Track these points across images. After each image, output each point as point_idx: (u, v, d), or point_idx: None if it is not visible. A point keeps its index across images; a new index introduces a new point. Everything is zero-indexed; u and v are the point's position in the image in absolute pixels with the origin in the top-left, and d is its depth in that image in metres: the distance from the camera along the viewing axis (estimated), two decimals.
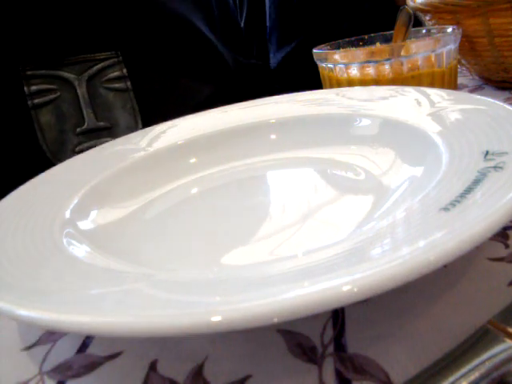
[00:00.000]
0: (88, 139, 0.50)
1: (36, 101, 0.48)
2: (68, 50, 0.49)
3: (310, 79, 0.53)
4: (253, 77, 0.69)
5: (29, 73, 0.47)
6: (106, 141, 0.46)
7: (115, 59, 0.51)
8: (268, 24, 0.87)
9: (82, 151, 0.46)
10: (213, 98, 0.57)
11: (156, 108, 0.53)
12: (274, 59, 0.85)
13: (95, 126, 0.50)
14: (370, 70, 0.39)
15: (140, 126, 0.52)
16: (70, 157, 0.35)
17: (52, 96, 0.48)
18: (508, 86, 0.45)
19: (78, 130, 0.49)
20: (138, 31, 0.53)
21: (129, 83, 0.51)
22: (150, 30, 0.54)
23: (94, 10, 0.50)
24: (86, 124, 0.49)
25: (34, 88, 0.48)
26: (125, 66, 0.51)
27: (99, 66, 0.50)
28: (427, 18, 0.49)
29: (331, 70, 0.42)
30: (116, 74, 0.51)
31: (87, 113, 0.50)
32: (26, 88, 0.47)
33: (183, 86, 0.56)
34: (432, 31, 0.45)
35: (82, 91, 0.49)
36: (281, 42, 0.83)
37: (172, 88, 0.56)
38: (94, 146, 0.48)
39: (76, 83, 0.49)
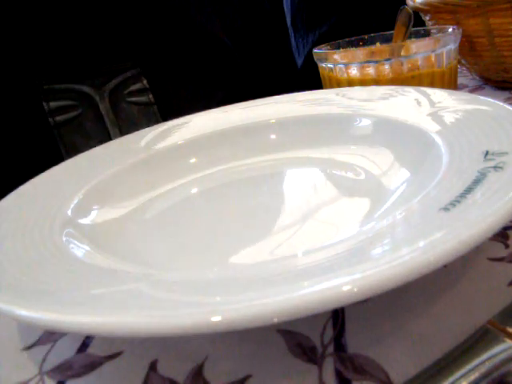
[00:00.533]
0: None
1: (57, 118, 0.45)
2: (85, 62, 0.47)
3: None
4: (278, 78, 0.67)
5: (45, 87, 0.45)
6: None
7: (134, 70, 0.48)
8: (290, 9, 0.83)
9: None
10: (228, 98, 0.56)
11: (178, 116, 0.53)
12: (301, 45, 0.81)
13: None
14: (370, 70, 0.39)
15: None
16: None
17: (74, 113, 0.46)
18: (508, 85, 0.45)
19: None
20: (155, 40, 0.51)
21: (151, 96, 0.49)
22: (167, 38, 0.52)
23: (110, 19, 0.48)
24: None
25: (53, 104, 0.45)
26: (145, 78, 0.49)
27: (119, 77, 0.48)
28: (427, 17, 0.49)
29: (331, 70, 0.42)
30: (137, 86, 0.49)
31: (113, 132, 0.47)
32: (44, 104, 0.45)
33: (203, 96, 0.55)
34: (432, 31, 0.45)
35: (104, 106, 0.47)
36: (310, 25, 0.79)
37: (191, 93, 0.54)
38: None
39: (97, 98, 0.47)
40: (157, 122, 0.49)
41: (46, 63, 0.45)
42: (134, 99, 0.49)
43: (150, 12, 0.51)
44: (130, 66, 0.48)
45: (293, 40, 0.83)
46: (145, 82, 0.49)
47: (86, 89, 0.46)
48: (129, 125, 0.48)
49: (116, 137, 0.47)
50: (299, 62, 0.82)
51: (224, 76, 0.58)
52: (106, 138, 0.47)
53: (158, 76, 0.50)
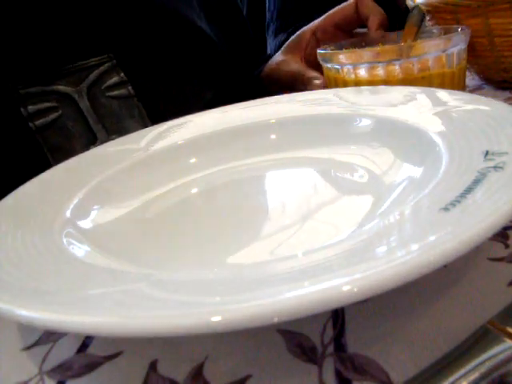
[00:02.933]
0: None
1: (38, 122, 0.44)
2: (58, 60, 0.45)
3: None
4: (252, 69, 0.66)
5: (21, 92, 0.43)
6: None
7: (109, 63, 0.47)
8: (267, 17, 0.88)
9: None
10: (217, 98, 0.55)
11: (164, 112, 0.49)
12: (270, 47, 0.85)
13: (108, 140, 0.45)
14: (380, 71, 0.38)
15: None
16: None
17: (54, 115, 0.44)
18: (508, 85, 0.45)
19: (92, 147, 0.45)
20: (129, 30, 0.49)
21: (130, 88, 0.47)
22: (142, 27, 0.50)
23: (81, 11, 0.46)
24: (98, 141, 0.46)
25: (31, 108, 0.43)
26: (122, 70, 0.47)
27: (95, 73, 0.46)
28: (427, 18, 0.48)
29: (337, 70, 0.42)
30: (114, 79, 0.47)
31: (97, 129, 0.46)
32: (22, 109, 0.43)
33: (187, 85, 0.53)
34: (434, 31, 0.45)
35: (84, 105, 0.45)
36: (278, 31, 0.84)
37: (176, 89, 0.52)
38: None
39: (76, 96, 0.45)
40: (140, 114, 0.48)
41: (18, 66, 0.44)
42: (113, 93, 0.47)
43: (122, 1, 0.49)
44: (104, 59, 0.47)
45: (268, 46, 0.88)
46: (122, 74, 0.47)
47: (62, 88, 0.45)
48: (111, 120, 0.47)
49: (100, 133, 0.46)
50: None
51: (205, 66, 0.56)
52: (90, 136, 0.46)
53: (136, 67, 0.49)
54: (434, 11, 0.45)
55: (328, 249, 0.18)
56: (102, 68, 0.46)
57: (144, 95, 0.49)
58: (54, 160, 0.45)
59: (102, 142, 0.45)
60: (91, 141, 0.46)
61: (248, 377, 0.17)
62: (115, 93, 0.47)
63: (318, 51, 0.44)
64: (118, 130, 0.47)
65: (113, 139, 0.46)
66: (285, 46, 0.59)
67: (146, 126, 0.47)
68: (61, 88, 0.45)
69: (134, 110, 0.48)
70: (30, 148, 0.44)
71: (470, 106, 0.27)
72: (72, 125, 0.45)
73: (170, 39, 0.53)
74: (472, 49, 0.44)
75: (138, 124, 0.48)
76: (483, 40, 0.43)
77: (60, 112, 0.45)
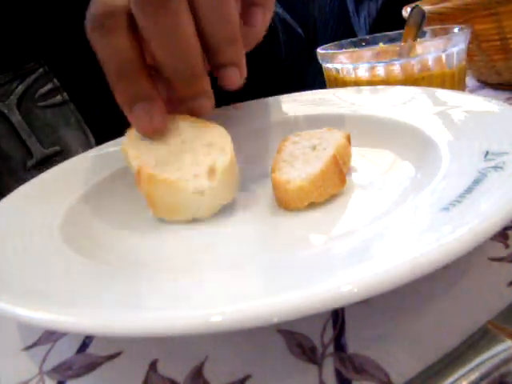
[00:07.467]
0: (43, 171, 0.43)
1: None
2: None
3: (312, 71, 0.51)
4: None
5: None
6: None
7: (41, 70, 0.42)
8: None
9: None
10: None
11: (103, 117, 0.44)
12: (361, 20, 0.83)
13: (44, 155, 0.43)
14: (380, 71, 0.38)
15: (92, 140, 0.44)
16: None
17: None
18: (505, 88, 0.45)
19: (29, 164, 0.42)
20: (57, 32, 0.44)
21: (65, 94, 0.43)
22: (71, 28, 0.42)
23: (4, 16, 0.41)
24: (34, 157, 0.42)
25: None
26: (54, 76, 0.43)
27: (25, 83, 0.42)
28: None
29: (337, 70, 0.42)
30: (48, 87, 0.43)
31: (31, 143, 0.42)
32: None
33: None
34: (434, 31, 0.45)
35: (16, 119, 0.41)
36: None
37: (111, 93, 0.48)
38: None
39: (6, 111, 0.41)
40: (77, 121, 0.44)
41: None
42: (46, 102, 0.43)
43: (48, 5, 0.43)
44: (34, 67, 0.42)
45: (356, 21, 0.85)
46: (55, 81, 0.43)
47: None
48: (46, 131, 0.43)
49: (35, 148, 0.42)
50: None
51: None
52: (24, 152, 0.42)
53: (69, 72, 0.44)
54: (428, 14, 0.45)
55: (328, 248, 0.18)
56: (32, 77, 0.42)
57: (80, 100, 0.44)
58: None
59: (38, 158, 0.42)
60: (26, 157, 0.42)
61: (248, 377, 0.17)
62: (48, 101, 0.43)
63: (318, 51, 0.43)
64: (53, 142, 0.43)
65: (50, 153, 0.42)
66: None
67: (84, 133, 0.44)
68: None
69: (70, 118, 0.44)
70: None
71: (469, 106, 0.27)
72: (5, 142, 0.42)
73: None
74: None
75: (75, 132, 0.44)
76: (472, 46, 0.43)
77: None
